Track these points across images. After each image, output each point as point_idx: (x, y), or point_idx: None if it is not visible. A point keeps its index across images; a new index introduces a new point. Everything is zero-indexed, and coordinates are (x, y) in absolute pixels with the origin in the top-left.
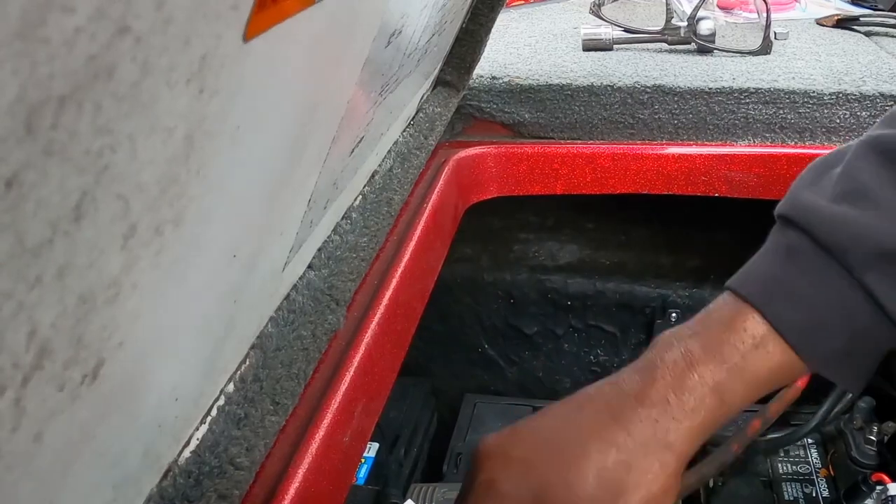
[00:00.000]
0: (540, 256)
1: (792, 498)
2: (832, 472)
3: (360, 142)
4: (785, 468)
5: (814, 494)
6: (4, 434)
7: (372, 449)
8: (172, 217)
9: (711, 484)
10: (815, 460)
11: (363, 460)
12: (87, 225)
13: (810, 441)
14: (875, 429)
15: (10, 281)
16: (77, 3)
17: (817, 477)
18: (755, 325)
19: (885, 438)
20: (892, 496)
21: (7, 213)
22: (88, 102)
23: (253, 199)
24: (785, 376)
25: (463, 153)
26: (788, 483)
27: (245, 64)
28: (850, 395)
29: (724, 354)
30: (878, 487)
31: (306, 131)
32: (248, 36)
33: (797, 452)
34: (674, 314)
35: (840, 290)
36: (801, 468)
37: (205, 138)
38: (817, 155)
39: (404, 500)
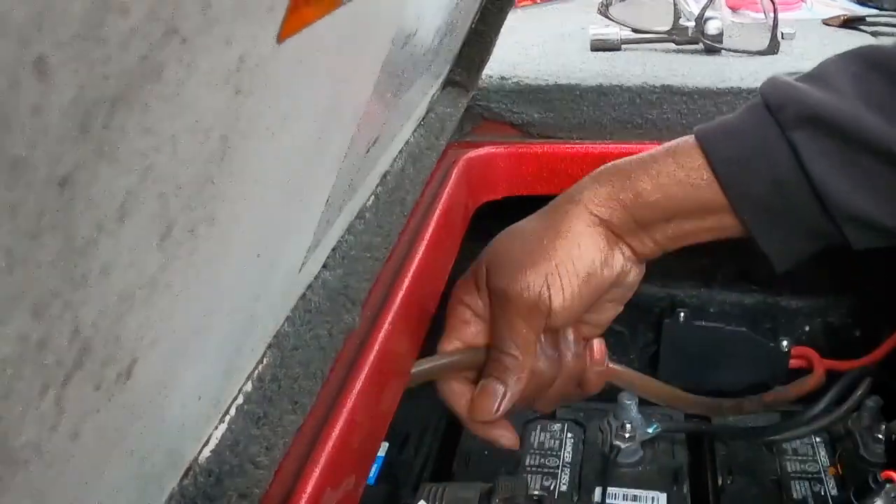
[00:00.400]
0: None
1: (800, 496)
2: (840, 471)
3: (374, 142)
4: (793, 466)
5: (822, 493)
6: (45, 433)
7: (382, 448)
8: (206, 217)
9: (720, 482)
10: (823, 459)
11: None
12: (130, 224)
13: (818, 440)
14: (883, 427)
15: (58, 280)
16: (131, 4)
17: (826, 475)
18: (684, 144)
19: (893, 437)
20: None
21: (60, 213)
22: (138, 103)
23: (277, 199)
24: (702, 201)
25: (472, 153)
26: (797, 481)
27: (277, 65)
28: (860, 392)
29: (642, 155)
30: (888, 485)
31: (328, 131)
32: (281, 37)
33: (805, 451)
34: (682, 313)
35: (769, 138)
36: (809, 467)
37: (239, 138)
38: None
39: (415, 499)
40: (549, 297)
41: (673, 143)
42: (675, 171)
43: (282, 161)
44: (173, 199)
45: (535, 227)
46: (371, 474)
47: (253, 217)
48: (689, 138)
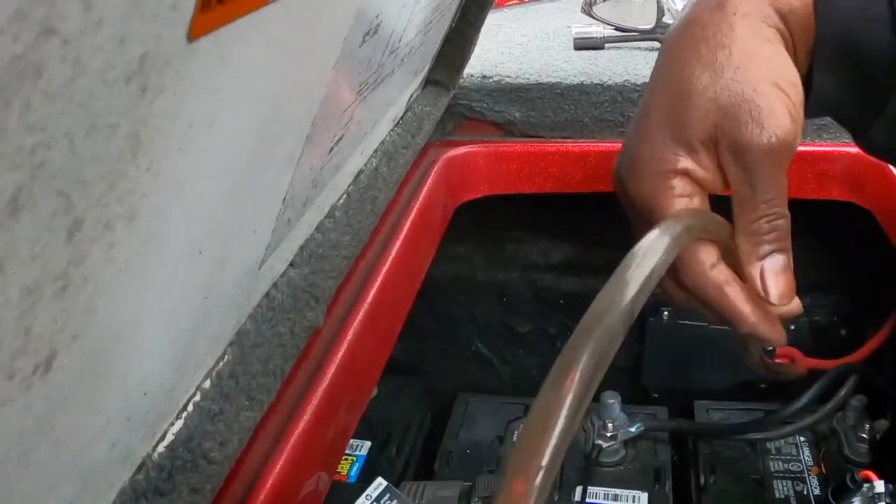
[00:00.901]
0: (532, 255)
1: (783, 496)
2: (824, 471)
3: (339, 140)
4: (776, 466)
5: (805, 492)
6: None
7: (364, 447)
8: (124, 212)
9: (703, 482)
10: (806, 458)
11: (355, 458)
12: (26, 219)
13: (802, 439)
14: (867, 427)
15: None
16: None
17: (808, 475)
18: None
19: (877, 436)
20: (879, 493)
21: None
22: (16, 101)
23: (216, 197)
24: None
25: (453, 152)
26: (779, 481)
27: (193, 64)
28: (844, 391)
29: None
30: (866, 485)
31: (274, 130)
32: (192, 36)
33: (789, 450)
34: (665, 312)
35: None
36: (792, 466)
37: (153, 136)
38: (807, 152)
39: None
40: (797, 132)
41: None
42: None
43: (216, 159)
44: (78, 194)
45: (722, 61)
46: (352, 472)
47: (186, 213)
48: None
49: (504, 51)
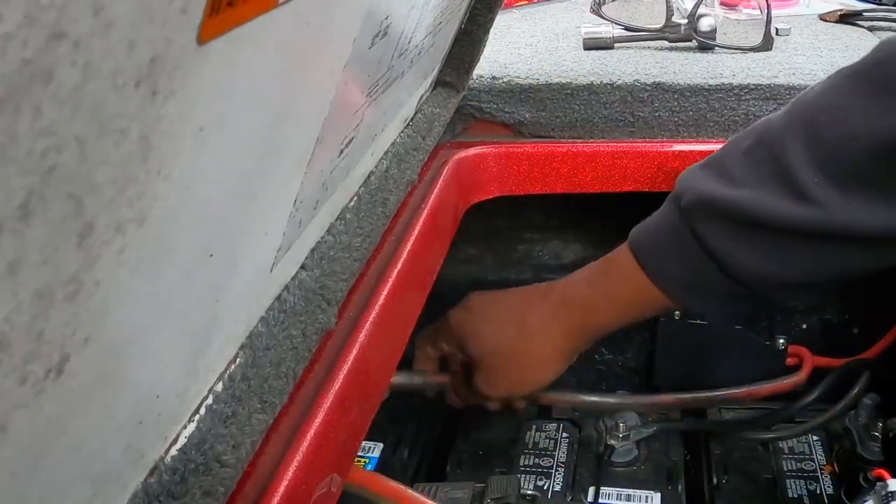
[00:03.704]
0: (544, 256)
1: (796, 495)
2: (836, 469)
3: (349, 143)
4: (789, 465)
5: (818, 491)
6: None
7: (376, 449)
8: (134, 216)
9: (715, 481)
10: (819, 457)
11: (367, 460)
12: (37, 223)
13: (815, 438)
14: (880, 425)
15: None
16: (4, 11)
17: (822, 474)
18: (625, 258)
19: (891, 435)
20: (892, 492)
21: None
22: (26, 105)
23: (227, 199)
24: (645, 299)
25: (463, 153)
26: (792, 480)
27: (203, 67)
28: (857, 389)
29: (600, 283)
30: (879, 483)
31: (284, 132)
32: (202, 39)
33: (801, 449)
34: (676, 312)
35: (676, 226)
36: (805, 465)
37: (163, 139)
38: None
39: None
40: None
41: (618, 255)
42: (624, 284)
43: (226, 162)
44: (89, 198)
45: (517, 333)
46: None
47: (196, 217)
48: (625, 248)
49: (513, 52)
